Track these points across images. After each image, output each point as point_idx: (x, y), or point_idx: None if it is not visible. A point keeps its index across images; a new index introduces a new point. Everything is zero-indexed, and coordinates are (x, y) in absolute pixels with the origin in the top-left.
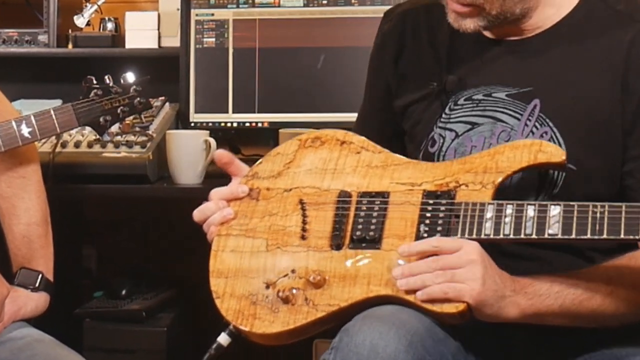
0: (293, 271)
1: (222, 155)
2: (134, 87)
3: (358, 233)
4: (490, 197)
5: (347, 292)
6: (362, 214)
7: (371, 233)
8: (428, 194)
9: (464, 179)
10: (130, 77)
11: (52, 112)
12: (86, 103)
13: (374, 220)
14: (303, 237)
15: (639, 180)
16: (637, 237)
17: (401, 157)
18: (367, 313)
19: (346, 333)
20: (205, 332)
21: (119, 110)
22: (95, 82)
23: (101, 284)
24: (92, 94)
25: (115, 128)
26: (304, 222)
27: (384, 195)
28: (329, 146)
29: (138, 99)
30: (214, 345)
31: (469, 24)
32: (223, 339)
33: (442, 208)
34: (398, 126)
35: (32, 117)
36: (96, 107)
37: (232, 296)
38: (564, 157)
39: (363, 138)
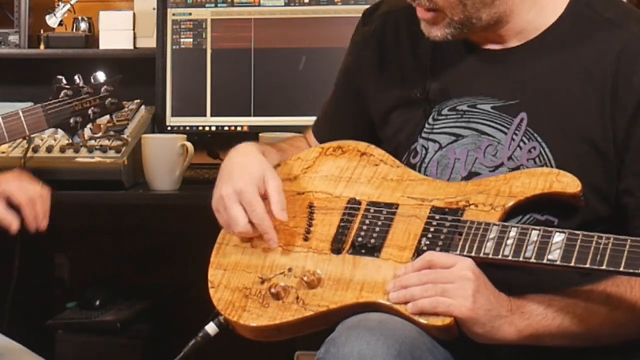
0: (290, 269)
1: None
2: (105, 87)
3: (360, 240)
4: (498, 219)
5: (338, 295)
6: (368, 222)
7: (372, 241)
8: (436, 210)
9: (475, 200)
10: (101, 76)
11: (20, 113)
12: (56, 104)
13: (377, 229)
14: (306, 239)
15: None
16: (637, 271)
17: (418, 173)
18: (353, 322)
19: (332, 343)
20: (182, 343)
21: (89, 111)
22: (65, 82)
23: (74, 294)
24: (62, 94)
25: (88, 132)
26: (310, 225)
27: (392, 206)
28: (349, 156)
29: (109, 99)
30: (201, 333)
31: (436, 32)
32: (211, 328)
33: (447, 224)
34: (373, 131)
35: (0, 119)
36: (66, 108)
37: (226, 288)
38: (579, 189)
39: (383, 152)
